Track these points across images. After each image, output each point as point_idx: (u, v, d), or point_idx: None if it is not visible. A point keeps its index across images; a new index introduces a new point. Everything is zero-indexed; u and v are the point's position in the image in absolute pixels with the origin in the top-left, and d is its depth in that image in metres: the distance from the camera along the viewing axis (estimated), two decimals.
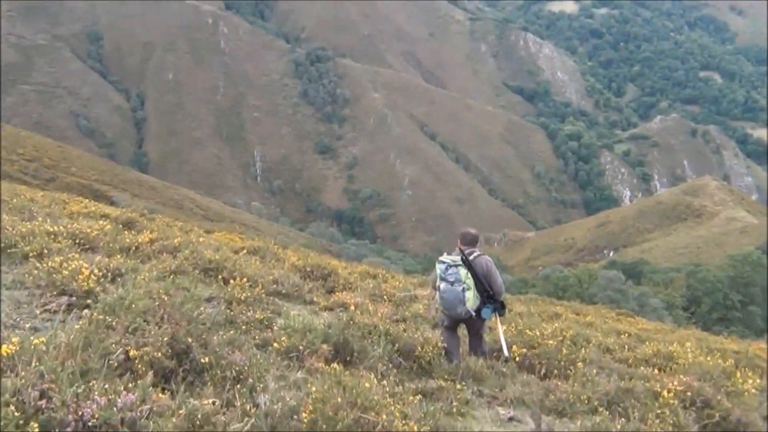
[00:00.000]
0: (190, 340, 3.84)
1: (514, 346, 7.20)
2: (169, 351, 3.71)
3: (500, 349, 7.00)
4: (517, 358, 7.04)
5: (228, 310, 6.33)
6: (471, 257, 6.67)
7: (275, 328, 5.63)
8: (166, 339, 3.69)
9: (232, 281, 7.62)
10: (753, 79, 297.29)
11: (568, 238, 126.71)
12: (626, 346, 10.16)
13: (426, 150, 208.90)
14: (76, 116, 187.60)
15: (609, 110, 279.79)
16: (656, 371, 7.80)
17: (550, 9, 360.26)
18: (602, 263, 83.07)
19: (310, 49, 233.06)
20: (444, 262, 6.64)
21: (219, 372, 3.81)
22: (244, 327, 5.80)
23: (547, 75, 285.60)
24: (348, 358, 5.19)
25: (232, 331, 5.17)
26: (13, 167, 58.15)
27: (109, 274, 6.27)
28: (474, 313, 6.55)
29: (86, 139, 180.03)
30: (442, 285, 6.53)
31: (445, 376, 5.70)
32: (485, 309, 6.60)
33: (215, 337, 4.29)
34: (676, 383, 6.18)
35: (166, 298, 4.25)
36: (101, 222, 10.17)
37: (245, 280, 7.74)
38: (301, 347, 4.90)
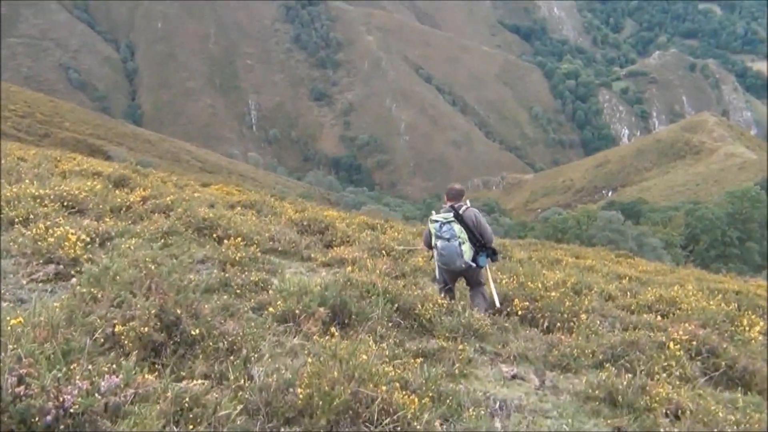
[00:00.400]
0: (179, 311, 3.64)
1: (516, 300, 7.04)
2: (158, 324, 3.53)
3: (492, 301, 7.24)
4: (520, 312, 6.89)
5: (222, 273, 6.13)
6: (461, 211, 6.96)
7: (270, 290, 5.45)
8: (153, 311, 3.50)
9: (226, 241, 7.50)
10: (753, 10, 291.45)
11: (567, 180, 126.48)
12: (628, 292, 10.06)
13: (422, 93, 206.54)
14: (66, 69, 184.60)
15: (606, 47, 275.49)
16: (659, 318, 7.70)
17: None
18: (601, 204, 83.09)
19: None
20: (437, 221, 6.91)
21: (211, 343, 3.62)
22: (238, 291, 5.61)
23: (544, 12, 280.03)
24: (346, 321, 5.04)
25: (225, 296, 5.00)
26: (6, 124, 57.40)
27: (98, 238, 6.06)
28: (471, 263, 6.84)
29: (78, 92, 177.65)
30: (439, 243, 6.81)
31: (447, 334, 5.53)
32: (480, 257, 6.91)
33: (207, 306, 4.11)
34: (681, 332, 6.07)
35: (153, 267, 4.05)
36: (91, 181, 9.91)
37: (239, 239, 7.57)
38: (297, 311, 4.74)
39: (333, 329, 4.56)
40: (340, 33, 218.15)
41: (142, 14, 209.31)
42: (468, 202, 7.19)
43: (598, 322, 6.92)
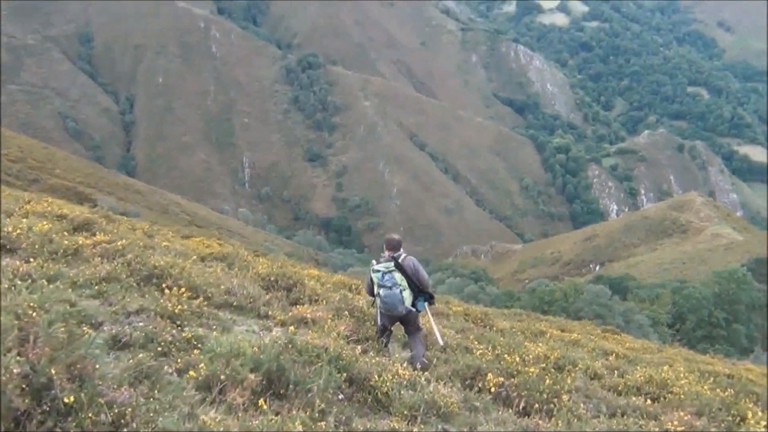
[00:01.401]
0: (53, 371, 2.90)
1: (489, 374, 6.31)
2: (25, 387, 2.79)
3: (435, 341, 7.82)
4: (492, 389, 6.12)
5: (152, 328, 5.33)
6: (400, 260, 7.45)
7: (196, 351, 4.66)
8: (17, 371, 2.76)
9: (168, 291, 6.68)
10: (739, 95, 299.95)
11: (555, 252, 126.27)
12: (615, 371, 9.31)
13: (415, 160, 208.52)
14: (64, 118, 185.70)
15: (597, 124, 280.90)
16: (649, 402, 7.05)
17: (541, 21, 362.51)
18: (588, 277, 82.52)
19: (301, 55, 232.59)
20: (379, 271, 7.36)
21: (91, 415, 2.88)
22: (163, 349, 4.82)
23: (537, 87, 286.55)
24: (282, 391, 4.23)
25: (143, 355, 4.21)
26: None
27: (17, 280, 5.31)
28: (411, 308, 7.32)
29: (74, 141, 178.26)
30: (382, 291, 7.24)
31: (405, 412, 4.74)
32: (419, 302, 7.40)
33: (106, 366, 3.34)
34: (675, 422, 5.32)
35: (35, 315, 3.31)
36: (46, 223, 9.18)
37: (183, 290, 6.81)
38: (222, 377, 3.95)
39: (263, 401, 3.79)
40: (338, 97, 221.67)
41: (145, 68, 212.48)
42: (402, 251, 7.62)
43: (582, 404, 6.16)
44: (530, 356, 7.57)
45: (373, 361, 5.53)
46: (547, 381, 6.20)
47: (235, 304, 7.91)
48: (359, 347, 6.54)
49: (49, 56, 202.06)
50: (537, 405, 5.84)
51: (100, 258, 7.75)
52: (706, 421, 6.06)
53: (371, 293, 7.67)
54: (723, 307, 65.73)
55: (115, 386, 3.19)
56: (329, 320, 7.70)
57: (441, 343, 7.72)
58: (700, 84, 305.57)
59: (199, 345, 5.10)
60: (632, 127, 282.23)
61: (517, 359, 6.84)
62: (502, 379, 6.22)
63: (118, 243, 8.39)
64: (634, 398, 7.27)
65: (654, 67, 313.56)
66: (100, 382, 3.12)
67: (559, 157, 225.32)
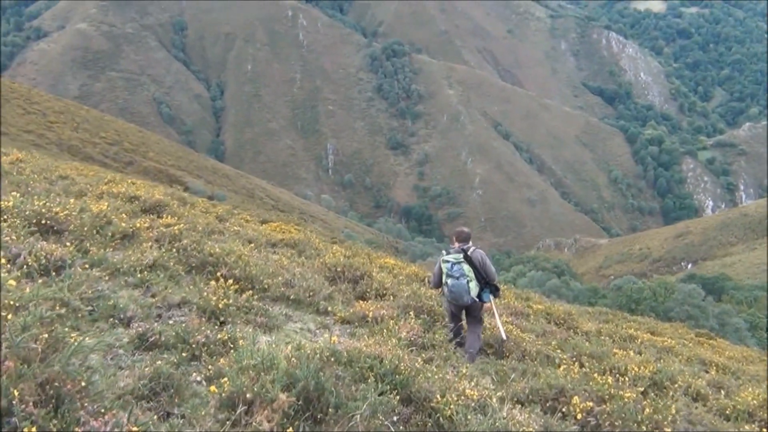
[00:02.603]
0: (15, 392, 2.29)
1: (575, 398, 5.39)
2: None
3: (498, 335, 7.94)
4: (579, 416, 5.22)
5: (185, 325, 4.68)
6: (469, 252, 7.72)
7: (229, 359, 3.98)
8: None
9: (214, 282, 6.13)
10: None
11: (644, 248, 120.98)
12: (719, 389, 8.16)
13: (499, 149, 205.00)
14: (158, 103, 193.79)
15: (694, 115, 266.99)
16: (765, 431, 6.00)
17: (636, 7, 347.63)
18: (679, 276, 78.53)
19: (386, 43, 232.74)
20: (448, 261, 7.69)
21: None
22: (194, 352, 4.22)
23: (630, 76, 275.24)
24: (320, 415, 3.50)
25: (162, 361, 3.61)
26: (95, 150, 59.75)
27: (49, 266, 4.86)
28: (476, 299, 7.62)
29: (167, 125, 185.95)
30: (450, 281, 7.59)
31: None
32: (484, 294, 7.69)
33: (93, 381, 2.73)
34: None
35: (10, 317, 2.73)
36: (106, 204, 8.90)
37: (230, 281, 6.30)
38: (249, 394, 3.27)
39: (295, 428, 3.11)
40: (422, 85, 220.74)
41: (235, 56, 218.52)
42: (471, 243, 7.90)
43: None
44: (622, 372, 6.65)
45: (437, 376, 4.75)
46: (647, 410, 5.26)
47: (292, 297, 7.34)
48: (422, 356, 5.85)
49: (146, 44, 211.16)
50: None
51: (154, 243, 7.32)
52: None
53: (438, 283, 7.96)
54: None
55: (105, 409, 2.59)
56: (392, 321, 7.01)
57: (504, 337, 7.89)
58: None
59: (236, 348, 4.41)
60: (732, 119, 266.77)
61: (610, 380, 5.91)
62: (591, 404, 5.33)
63: (176, 227, 7.93)
64: (746, 426, 6.32)
65: (758, 56, 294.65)
66: (89, 403, 2.52)
67: (651, 149, 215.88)
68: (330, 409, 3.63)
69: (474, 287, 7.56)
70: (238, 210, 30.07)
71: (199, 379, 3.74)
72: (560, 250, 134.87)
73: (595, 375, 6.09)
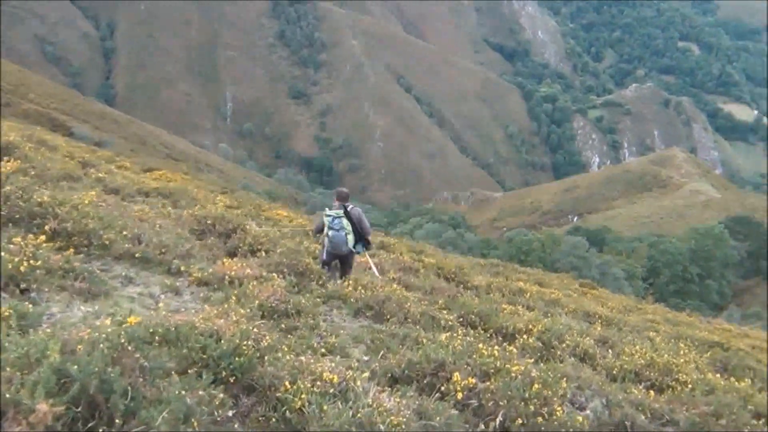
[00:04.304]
0: None
1: (457, 374, 4.86)
2: None
3: (373, 275, 9.26)
4: (460, 395, 4.66)
5: None
6: (348, 209, 8.86)
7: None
8: None
9: (19, 239, 5.20)
10: (730, 53, 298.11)
11: (535, 201, 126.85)
12: (606, 345, 8.71)
13: (400, 102, 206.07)
14: (41, 41, 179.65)
15: (586, 75, 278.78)
16: (652, 393, 6.24)
17: None
18: (566, 228, 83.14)
19: None
20: (330, 215, 8.81)
21: None
22: None
23: (528, 34, 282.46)
24: (101, 430, 2.77)
25: None
26: None
27: None
28: (353, 249, 8.82)
29: (51, 66, 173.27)
30: (331, 232, 8.71)
31: None
32: (358, 245, 8.93)
33: None
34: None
35: None
36: None
37: (43, 237, 5.52)
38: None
39: None
40: (325, 34, 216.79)
41: None
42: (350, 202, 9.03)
43: (576, 408, 5.28)
44: (510, 333, 6.94)
45: (288, 357, 4.05)
46: (536, 386, 4.81)
47: (138, 255, 6.41)
48: (283, 325, 5.46)
49: None
50: (519, 420, 4.45)
51: None
52: (726, 423, 5.25)
53: (318, 232, 9.40)
54: (698, 263, 66.84)
55: None
56: (254, 282, 6.36)
57: (378, 275, 9.16)
58: (692, 39, 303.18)
59: (28, 328, 3.66)
60: (620, 80, 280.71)
61: (496, 352, 5.53)
62: (474, 380, 4.79)
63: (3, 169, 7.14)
64: (634, 390, 6.30)
65: (647, 20, 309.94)
66: None
67: (545, 106, 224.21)
68: (117, 420, 2.87)
69: (351, 239, 8.70)
70: (120, 158, 28.65)
71: None
72: (457, 202, 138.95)
73: (480, 345, 5.72)
